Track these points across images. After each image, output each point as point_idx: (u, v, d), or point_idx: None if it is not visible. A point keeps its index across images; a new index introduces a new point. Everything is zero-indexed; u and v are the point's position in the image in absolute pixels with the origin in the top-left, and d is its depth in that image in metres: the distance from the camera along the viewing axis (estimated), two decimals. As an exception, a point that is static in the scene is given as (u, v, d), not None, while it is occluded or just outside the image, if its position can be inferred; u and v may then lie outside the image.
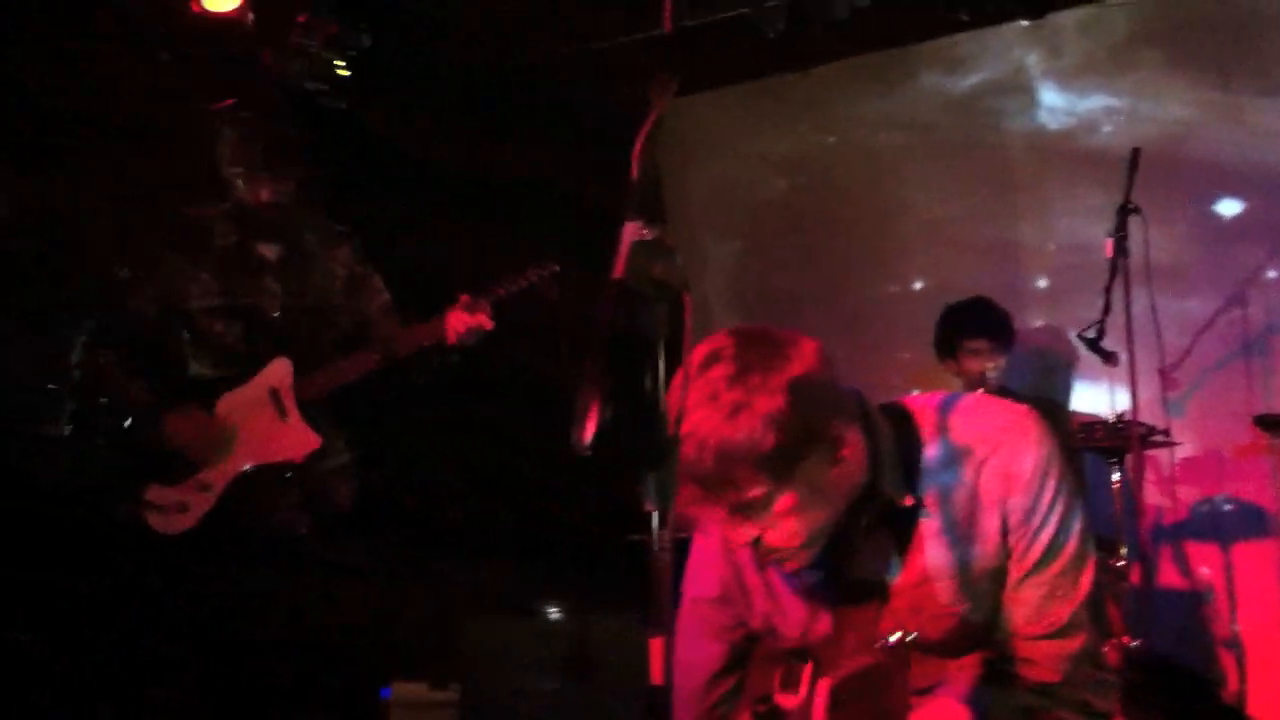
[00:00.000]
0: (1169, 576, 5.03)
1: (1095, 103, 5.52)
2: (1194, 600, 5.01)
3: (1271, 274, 5.06)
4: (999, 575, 2.16)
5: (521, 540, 5.83)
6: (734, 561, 2.40)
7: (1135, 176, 4.44)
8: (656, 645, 1.90)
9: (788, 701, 2.27)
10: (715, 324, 7.34)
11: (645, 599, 1.96)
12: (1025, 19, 5.55)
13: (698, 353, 2.13)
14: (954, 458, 2.17)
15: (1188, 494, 5.04)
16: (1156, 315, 4.43)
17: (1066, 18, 5.53)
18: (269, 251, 3.85)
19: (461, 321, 3.69)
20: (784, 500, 2.04)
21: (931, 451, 2.18)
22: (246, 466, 3.71)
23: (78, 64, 4.65)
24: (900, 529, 2.16)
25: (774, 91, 6.24)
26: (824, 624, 2.25)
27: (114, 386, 3.75)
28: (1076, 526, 2.17)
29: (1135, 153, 4.48)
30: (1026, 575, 2.15)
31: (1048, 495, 2.14)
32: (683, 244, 6.49)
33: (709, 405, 2.03)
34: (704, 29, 5.65)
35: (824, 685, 2.04)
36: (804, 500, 2.05)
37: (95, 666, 4.01)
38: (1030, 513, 2.13)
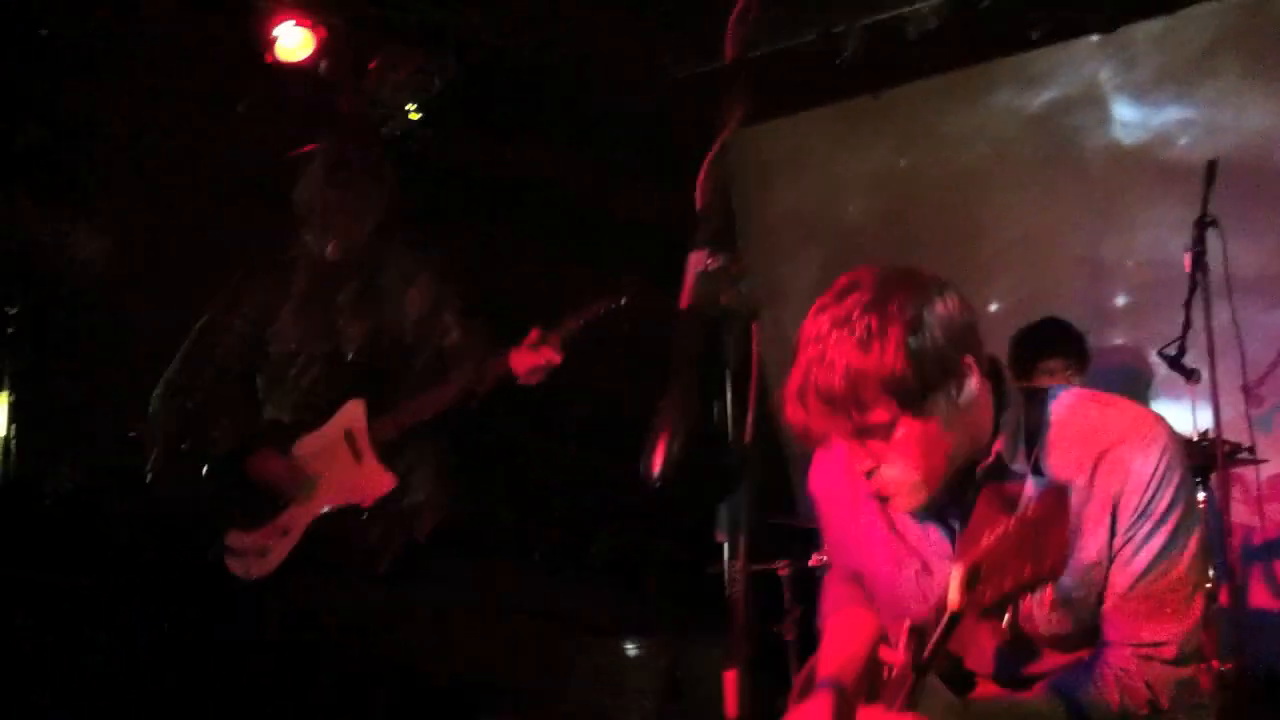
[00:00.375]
0: (1260, 597, 4.90)
1: (1171, 115, 5.43)
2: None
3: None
4: (1100, 571, 2.14)
5: (610, 571, 5.83)
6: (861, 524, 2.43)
7: (1212, 189, 4.35)
8: (730, 677, 1.89)
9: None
10: (793, 351, 7.28)
11: (724, 630, 1.96)
12: (1097, 33, 5.49)
13: (837, 282, 2.23)
14: (1077, 442, 2.16)
15: (1277, 512, 4.92)
16: (1239, 330, 4.33)
17: (1139, 30, 5.46)
18: (344, 294, 3.90)
19: (529, 358, 3.69)
20: (905, 430, 2.08)
21: (1057, 433, 2.19)
22: (324, 509, 3.75)
23: (161, 115, 4.77)
24: (1013, 500, 2.15)
25: (849, 115, 6.22)
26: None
27: (197, 432, 3.83)
28: (1192, 542, 2.14)
29: (1211, 165, 4.40)
30: (1135, 582, 2.12)
31: (1163, 501, 2.11)
32: (761, 269, 6.60)
33: (843, 328, 2.11)
34: (777, 55, 5.67)
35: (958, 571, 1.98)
36: (924, 434, 2.09)
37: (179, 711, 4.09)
38: (1142, 515, 2.11)
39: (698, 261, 1.98)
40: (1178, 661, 2.15)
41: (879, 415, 2.09)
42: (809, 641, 4.59)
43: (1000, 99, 5.86)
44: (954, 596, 1.99)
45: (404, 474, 3.80)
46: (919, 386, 2.06)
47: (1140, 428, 2.16)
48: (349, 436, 3.78)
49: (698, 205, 2.02)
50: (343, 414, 3.80)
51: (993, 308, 5.88)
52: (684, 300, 1.96)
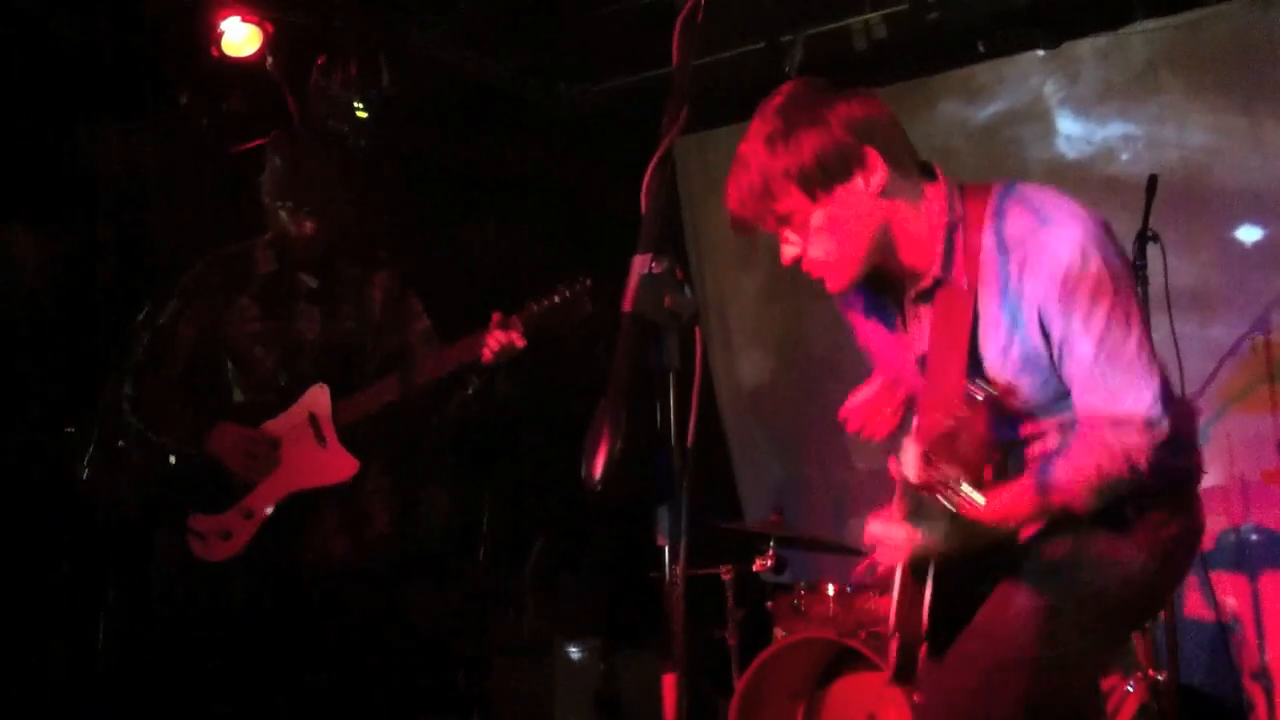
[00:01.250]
0: (1195, 608, 4.97)
1: (1114, 131, 5.50)
2: (1221, 631, 4.95)
3: (1289, 300, 5.03)
4: (1045, 359, 2.36)
5: (549, 576, 5.83)
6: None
7: (1152, 204, 4.42)
8: (670, 682, 1.89)
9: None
10: (738, 356, 7.39)
11: (661, 634, 1.96)
12: (1042, 48, 5.55)
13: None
14: (1002, 248, 2.37)
15: (1214, 524, 4.98)
16: (1178, 343, 4.39)
17: (1084, 46, 5.53)
18: (308, 279, 3.91)
19: (495, 340, 3.71)
20: (819, 216, 2.37)
21: (987, 240, 2.39)
22: (288, 493, 3.76)
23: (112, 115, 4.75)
24: (961, 313, 2.40)
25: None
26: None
27: (159, 413, 3.82)
28: (1133, 320, 2.31)
29: (1152, 180, 4.47)
30: (1089, 365, 2.32)
31: (1086, 284, 2.27)
32: (708, 276, 6.61)
33: (757, 134, 2.39)
34: (724, 63, 5.69)
35: (919, 450, 2.25)
36: (837, 220, 2.37)
37: (146, 693, 4.07)
38: (1070, 300, 2.29)
39: (641, 264, 1.97)
40: (1149, 424, 2.32)
41: (790, 204, 2.38)
42: (751, 646, 4.62)
43: (946, 111, 5.91)
44: (914, 473, 2.27)
45: (365, 461, 3.80)
46: (821, 176, 2.33)
47: (1056, 216, 2.34)
48: (313, 420, 3.79)
49: (642, 209, 2.02)
50: (306, 398, 3.81)
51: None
52: (626, 303, 1.95)
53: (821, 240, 2.40)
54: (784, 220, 2.41)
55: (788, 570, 4.90)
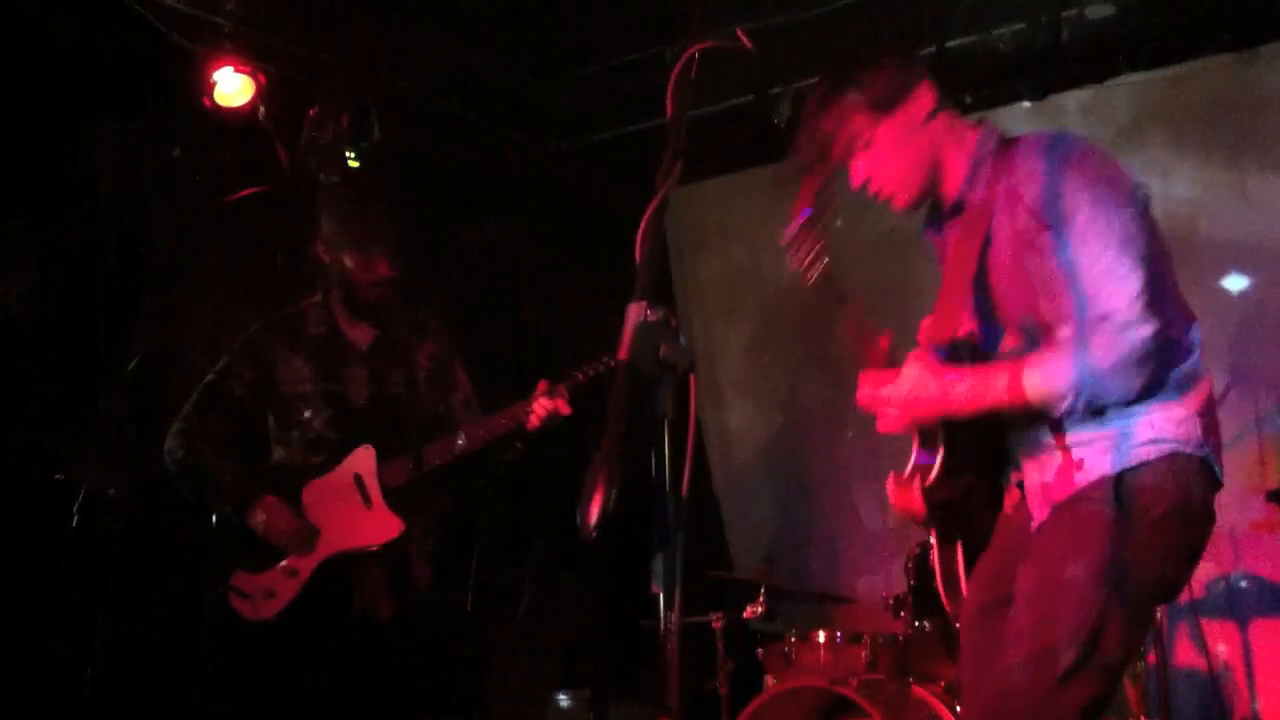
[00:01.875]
0: (1186, 656, 4.97)
1: (1101, 183, 5.55)
2: (1212, 680, 4.94)
3: (1281, 350, 5.07)
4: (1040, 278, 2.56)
5: (543, 620, 5.81)
6: None
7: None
8: (666, 729, 1.89)
9: None
10: (728, 407, 7.39)
11: (653, 683, 1.96)
12: (1027, 100, 5.60)
13: None
14: (1015, 176, 2.62)
15: (1204, 572, 4.99)
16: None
17: (1069, 99, 5.58)
18: (359, 339, 3.96)
19: (543, 408, 3.78)
20: (878, 138, 2.70)
21: (1008, 173, 2.63)
22: (332, 553, 3.78)
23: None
24: (965, 230, 2.70)
25: (785, 177, 6.29)
26: None
27: (209, 472, 3.85)
28: (1114, 231, 2.47)
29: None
30: (1071, 270, 2.49)
31: (1064, 199, 2.50)
32: (697, 327, 6.63)
33: (825, 80, 2.78)
34: (715, 116, 5.74)
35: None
36: (893, 141, 2.70)
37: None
38: (1044, 214, 2.53)
39: (636, 313, 1.99)
40: (1124, 325, 2.42)
41: (852, 128, 2.71)
42: (741, 695, 4.61)
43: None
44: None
45: (410, 522, 3.83)
46: (878, 100, 2.68)
47: (1038, 140, 2.63)
48: (358, 481, 3.82)
49: (637, 258, 2.04)
50: (353, 459, 3.84)
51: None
52: (622, 351, 1.97)
53: (882, 162, 2.73)
54: (849, 151, 2.74)
55: (779, 619, 4.89)
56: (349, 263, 3.88)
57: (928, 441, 2.78)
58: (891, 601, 4.55)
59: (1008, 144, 2.70)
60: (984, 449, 2.76)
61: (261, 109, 5.00)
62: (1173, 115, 5.36)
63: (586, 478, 1.90)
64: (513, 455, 3.98)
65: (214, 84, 4.94)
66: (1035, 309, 2.59)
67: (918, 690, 4.42)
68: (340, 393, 3.90)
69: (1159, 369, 2.49)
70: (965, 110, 5.76)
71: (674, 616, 1.89)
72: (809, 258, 2.84)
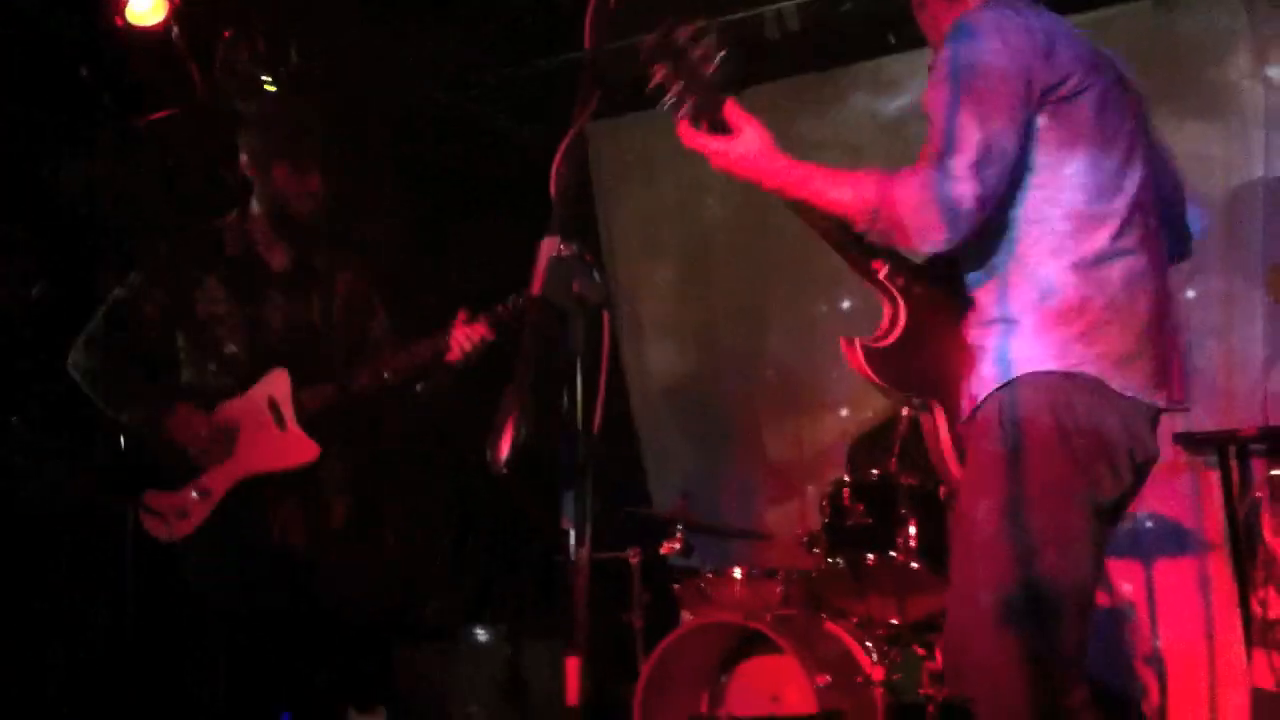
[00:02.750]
0: (1091, 594, 5.09)
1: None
2: (1117, 618, 5.07)
3: (1190, 294, 5.15)
4: None
5: (453, 562, 5.81)
6: None
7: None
8: (573, 665, 1.89)
9: None
10: (648, 345, 7.36)
11: (565, 618, 1.96)
12: (953, 41, 5.59)
13: None
14: None
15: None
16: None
17: (993, 40, 5.59)
18: (276, 262, 3.86)
19: (465, 335, 3.71)
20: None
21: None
22: (246, 473, 3.71)
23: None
24: None
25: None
26: None
27: (118, 382, 3.78)
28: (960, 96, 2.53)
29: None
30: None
31: (944, 63, 2.61)
32: (620, 264, 6.59)
33: None
34: (636, 49, 5.67)
35: None
36: None
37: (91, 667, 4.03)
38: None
39: (550, 248, 1.97)
40: (942, 174, 2.49)
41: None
42: (657, 629, 4.64)
43: (856, 103, 5.96)
44: None
45: (325, 450, 3.76)
46: None
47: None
48: (272, 404, 3.75)
49: (551, 193, 2.02)
50: (266, 381, 3.76)
51: (845, 305, 6.00)
52: (534, 286, 1.95)
53: None
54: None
55: (695, 554, 4.93)
56: (279, 175, 3.78)
57: (892, 307, 2.71)
58: (806, 538, 4.60)
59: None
60: (946, 308, 2.70)
61: (175, 29, 4.87)
62: None
63: (498, 414, 1.88)
64: (434, 387, 3.90)
65: (125, 2, 4.80)
66: None
67: (829, 625, 4.49)
68: (256, 316, 3.81)
69: (994, 239, 2.55)
70: (888, 50, 5.80)
71: (583, 553, 1.89)
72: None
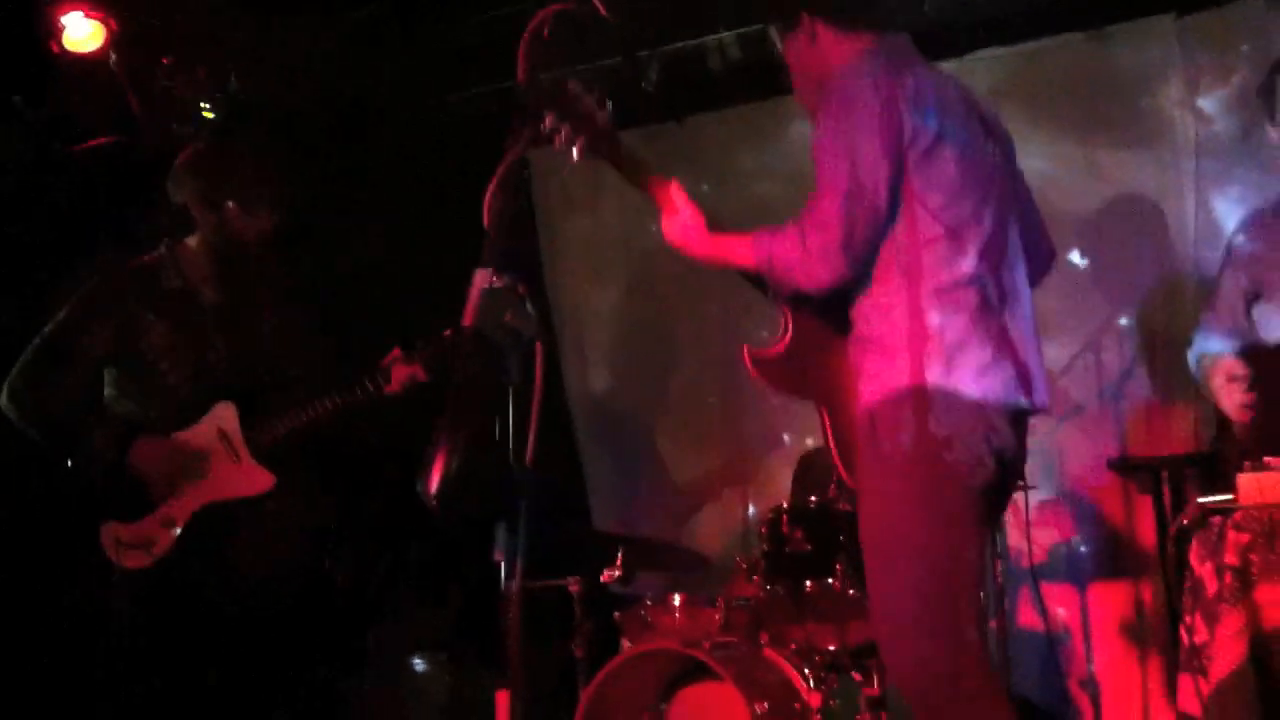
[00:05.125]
0: (1027, 618, 5.13)
1: (958, 154, 5.65)
2: (1051, 641, 5.12)
3: (1124, 321, 5.22)
4: None
5: (397, 590, 5.77)
6: None
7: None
8: (503, 699, 1.90)
9: None
10: (592, 371, 7.34)
11: (496, 649, 1.97)
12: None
13: None
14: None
15: (1045, 537, 5.15)
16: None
17: (931, 72, 5.66)
18: (211, 297, 3.91)
19: (403, 372, 3.84)
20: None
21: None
22: (208, 501, 3.77)
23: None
24: None
25: (651, 140, 6.29)
26: None
27: (66, 422, 3.83)
28: (843, 130, 2.81)
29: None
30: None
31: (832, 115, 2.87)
32: (563, 290, 6.58)
33: None
34: (580, 76, 5.69)
35: None
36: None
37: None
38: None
39: (482, 280, 1.99)
40: (809, 233, 2.81)
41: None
42: (598, 658, 4.63)
43: (797, 132, 5.99)
44: None
45: (279, 479, 3.85)
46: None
47: (853, 62, 2.94)
48: (223, 435, 3.81)
49: (484, 224, 2.03)
50: (214, 414, 3.82)
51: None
52: (466, 318, 1.96)
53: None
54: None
55: (636, 583, 4.93)
56: (230, 213, 3.84)
57: (782, 320, 3.06)
58: (746, 565, 4.61)
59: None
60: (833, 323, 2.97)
61: (113, 56, 4.84)
62: (1028, 90, 5.46)
63: (429, 446, 1.89)
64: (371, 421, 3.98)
65: (62, 28, 4.77)
66: None
67: (768, 652, 4.50)
68: (197, 350, 3.86)
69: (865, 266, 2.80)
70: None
71: (514, 585, 1.89)
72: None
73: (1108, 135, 5.33)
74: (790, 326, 3.03)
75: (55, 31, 4.75)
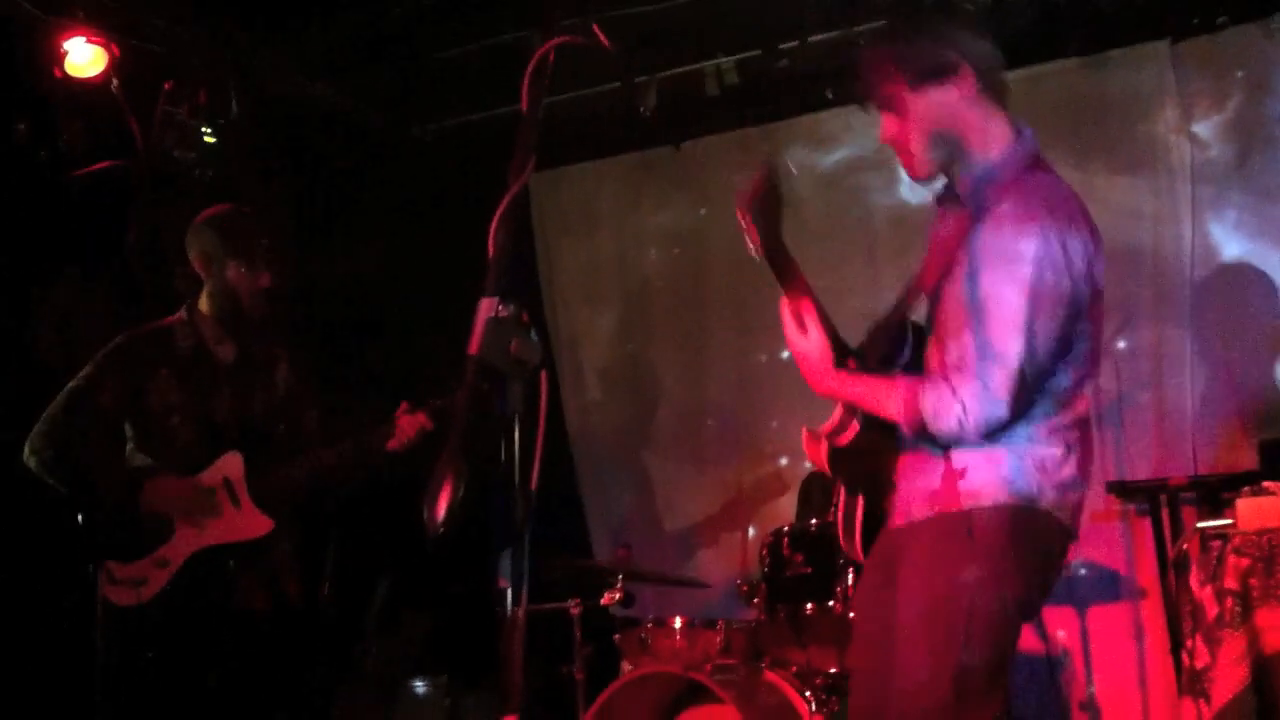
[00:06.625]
0: (1028, 642, 5.13)
1: (954, 179, 5.67)
2: (1052, 665, 5.12)
3: (1122, 345, 5.24)
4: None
5: (394, 614, 5.77)
6: None
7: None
8: (508, 725, 1.90)
9: None
10: (589, 394, 7.35)
11: (496, 674, 1.97)
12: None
13: None
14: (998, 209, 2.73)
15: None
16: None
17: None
18: (225, 356, 4.07)
19: (410, 424, 3.98)
20: (909, 104, 2.77)
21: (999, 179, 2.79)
22: (202, 545, 3.90)
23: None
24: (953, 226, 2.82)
25: (649, 165, 6.32)
26: None
27: (85, 468, 3.95)
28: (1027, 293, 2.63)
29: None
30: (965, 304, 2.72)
31: (1008, 273, 2.64)
32: (560, 314, 6.59)
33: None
34: (578, 101, 5.74)
35: None
36: (920, 112, 2.77)
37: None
38: (992, 278, 2.67)
39: (487, 309, 1.99)
40: (984, 399, 2.62)
41: (888, 88, 2.79)
42: (599, 681, 4.63)
43: (793, 157, 6.03)
44: None
45: (280, 527, 3.98)
46: (917, 72, 2.75)
47: (1041, 182, 2.76)
48: (227, 484, 3.95)
49: (489, 253, 2.04)
50: (221, 464, 3.97)
51: (785, 354, 6.02)
52: (472, 347, 1.96)
53: (908, 126, 2.81)
54: (887, 103, 2.81)
55: (636, 605, 4.93)
56: (231, 275, 3.99)
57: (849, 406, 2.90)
58: (746, 587, 4.61)
59: (1034, 163, 2.82)
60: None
61: (115, 81, 4.86)
62: (1024, 115, 5.35)
63: (434, 473, 1.89)
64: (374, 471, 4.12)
65: (65, 54, 4.79)
66: (946, 329, 2.74)
67: (770, 674, 4.50)
68: (207, 408, 4.02)
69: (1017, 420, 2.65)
70: (825, 105, 5.90)
71: (519, 613, 1.89)
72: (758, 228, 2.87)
73: (1104, 160, 5.36)
74: (861, 423, 2.88)
75: (58, 57, 4.77)
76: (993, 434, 2.62)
